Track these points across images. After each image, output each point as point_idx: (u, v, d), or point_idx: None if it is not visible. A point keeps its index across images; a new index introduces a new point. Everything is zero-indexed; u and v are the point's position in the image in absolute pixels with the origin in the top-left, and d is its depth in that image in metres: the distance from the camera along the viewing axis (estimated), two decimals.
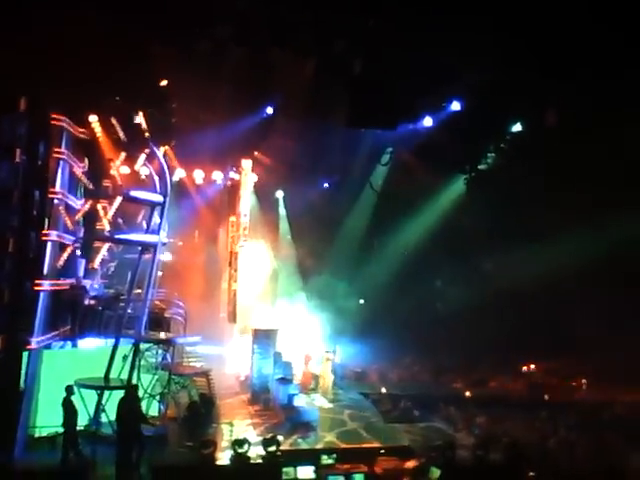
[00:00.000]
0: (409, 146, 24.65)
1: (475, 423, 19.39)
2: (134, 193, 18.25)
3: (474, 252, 28.87)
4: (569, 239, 24.13)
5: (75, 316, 17.07)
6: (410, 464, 15.44)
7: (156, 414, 17.45)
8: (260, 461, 14.93)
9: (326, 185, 29.78)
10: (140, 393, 16.03)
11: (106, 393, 16.00)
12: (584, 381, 24.98)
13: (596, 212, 22.59)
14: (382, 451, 16.41)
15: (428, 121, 22.57)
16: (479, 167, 24.91)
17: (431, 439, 17.39)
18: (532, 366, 26.73)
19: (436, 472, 14.64)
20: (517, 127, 22.82)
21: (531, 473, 14.79)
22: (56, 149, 16.52)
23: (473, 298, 27.60)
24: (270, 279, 28.55)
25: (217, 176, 26.38)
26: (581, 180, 22.60)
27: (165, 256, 20.46)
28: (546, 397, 23.66)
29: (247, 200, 25.47)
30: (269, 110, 23.05)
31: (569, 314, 25.51)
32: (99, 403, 15.93)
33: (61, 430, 14.60)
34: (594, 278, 24.76)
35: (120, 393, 15.40)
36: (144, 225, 19.08)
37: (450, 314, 29.34)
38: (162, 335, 18.02)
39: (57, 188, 16.58)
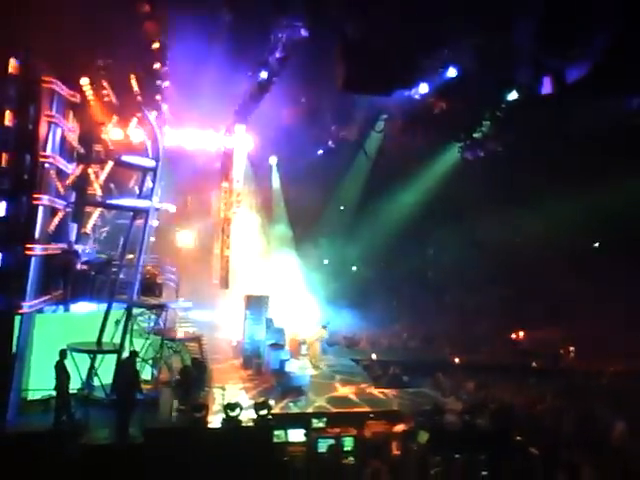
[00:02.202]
0: (404, 113, 24.38)
1: (463, 389, 19.67)
2: (126, 158, 18.11)
3: (466, 221, 28.93)
4: (560, 208, 24.17)
5: (67, 281, 17.07)
6: (399, 428, 15.76)
7: (149, 378, 17.61)
8: (251, 424, 15.17)
9: (320, 151, 29.58)
10: None
11: (99, 357, 16.16)
12: (572, 349, 25.27)
13: (586, 181, 22.55)
14: (372, 415, 16.68)
15: (423, 87, 22.17)
16: (474, 135, 24.68)
17: (420, 404, 17.70)
18: (521, 334, 27.02)
19: (424, 436, 14.94)
20: (513, 95, 22.55)
21: (518, 437, 15.09)
22: (47, 112, 16.23)
23: (464, 266, 27.79)
24: (262, 245, 28.54)
25: (210, 141, 26.07)
26: (574, 149, 22.51)
27: (155, 222, 20.35)
28: (534, 364, 24.02)
29: (240, 166, 25.21)
30: (263, 75, 22.68)
31: (559, 283, 25.65)
32: (92, 367, 16.13)
33: (54, 393, 14.68)
34: (585, 247, 24.91)
35: (113, 357, 15.50)
36: (136, 190, 18.95)
37: (441, 282, 29.56)
38: (154, 300, 18.09)
39: (48, 152, 16.35)
